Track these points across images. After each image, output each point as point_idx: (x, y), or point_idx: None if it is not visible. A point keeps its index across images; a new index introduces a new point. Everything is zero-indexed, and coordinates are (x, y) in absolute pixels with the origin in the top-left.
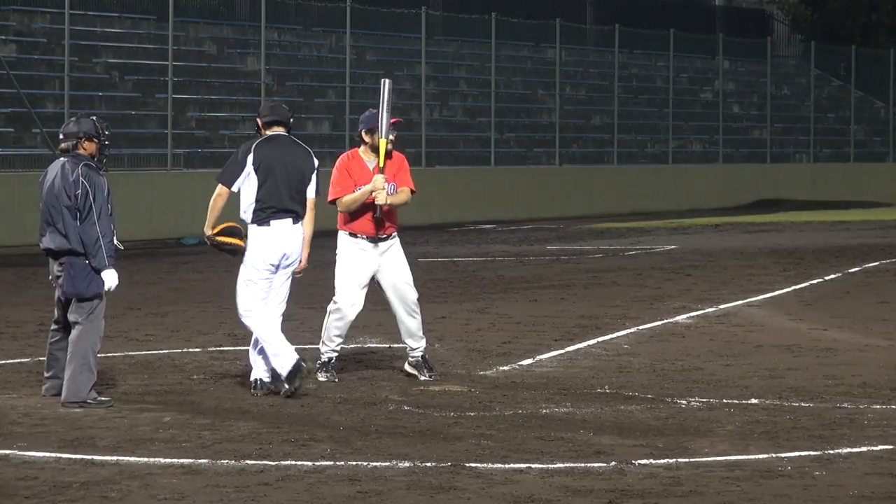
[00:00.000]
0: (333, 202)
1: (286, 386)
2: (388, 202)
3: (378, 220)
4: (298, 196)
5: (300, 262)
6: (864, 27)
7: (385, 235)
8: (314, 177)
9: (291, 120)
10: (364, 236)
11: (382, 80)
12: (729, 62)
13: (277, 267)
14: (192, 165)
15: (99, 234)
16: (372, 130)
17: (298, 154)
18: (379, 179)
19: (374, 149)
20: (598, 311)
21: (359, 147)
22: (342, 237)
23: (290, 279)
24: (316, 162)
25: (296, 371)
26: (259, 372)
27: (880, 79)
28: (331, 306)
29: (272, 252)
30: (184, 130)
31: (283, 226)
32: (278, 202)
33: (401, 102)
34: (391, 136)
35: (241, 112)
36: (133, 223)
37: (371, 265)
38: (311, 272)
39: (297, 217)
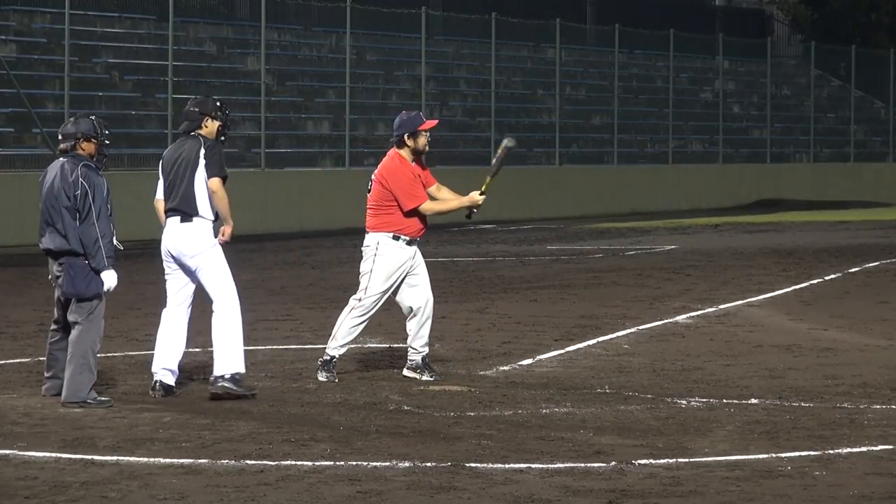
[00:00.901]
0: (415, 209)
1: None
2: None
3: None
4: (182, 191)
5: (222, 236)
6: (864, 27)
7: (420, 237)
8: (201, 162)
9: (205, 118)
10: (406, 237)
11: (502, 142)
12: (729, 62)
13: (177, 264)
14: None
15: (98, 234)
16: (415, 134)
17: (183, 148)
18: (479, 197)
19: (416, 151)
20: (598, 311)
21: (400, 150)
22: (384, 238)
23: (209, 276)
24: (203, 151)
25: (155, 382)
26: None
27: (880, 79)
28: (353, 302)
29: (163, 249)
30: None
31: (169, 224)
32: (165, 202)
33: (400, 102)
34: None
35: (242, 112)
36: (133, 223)
37: (406, 266)
38: (311, 272)
39: (185, 215)
